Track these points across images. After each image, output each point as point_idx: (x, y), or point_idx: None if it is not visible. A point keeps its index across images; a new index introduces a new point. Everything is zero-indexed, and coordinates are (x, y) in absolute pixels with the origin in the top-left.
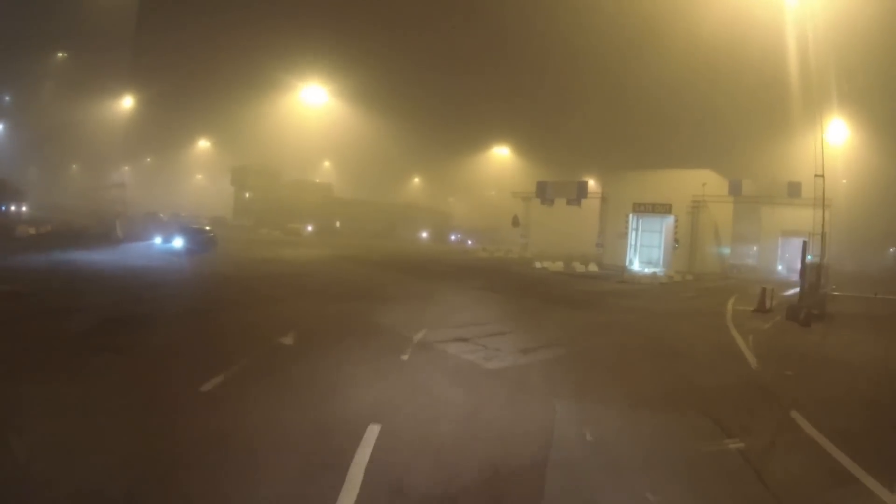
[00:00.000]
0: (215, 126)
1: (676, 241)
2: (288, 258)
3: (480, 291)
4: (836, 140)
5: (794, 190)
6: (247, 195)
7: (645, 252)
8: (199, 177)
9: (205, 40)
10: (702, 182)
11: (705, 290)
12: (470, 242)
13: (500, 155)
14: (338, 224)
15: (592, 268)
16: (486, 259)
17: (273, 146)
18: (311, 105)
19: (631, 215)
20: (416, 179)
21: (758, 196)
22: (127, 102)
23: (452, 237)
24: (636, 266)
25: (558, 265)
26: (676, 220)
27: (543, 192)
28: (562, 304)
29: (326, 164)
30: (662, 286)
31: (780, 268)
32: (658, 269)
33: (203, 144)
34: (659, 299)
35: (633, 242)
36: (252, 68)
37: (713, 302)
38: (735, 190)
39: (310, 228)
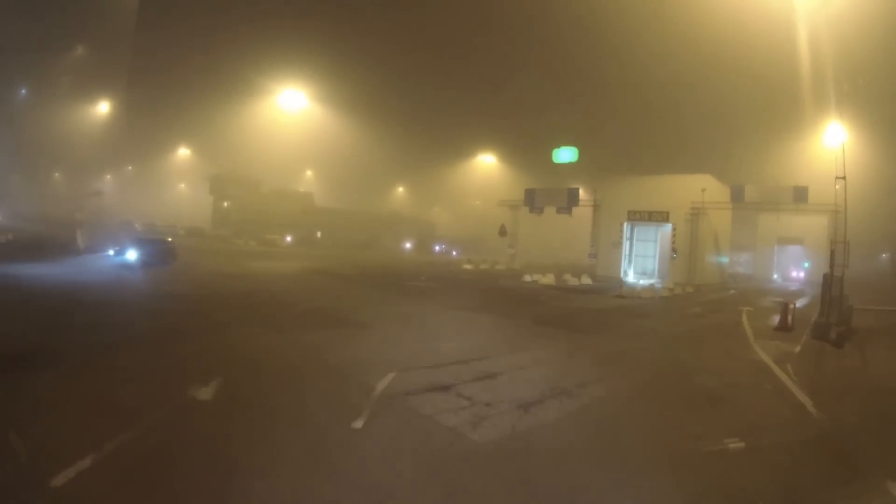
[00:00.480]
0: (197, 133)
1: (674, 250)
2: (255, 272)
3: (465, 312)
4: (834, 142)
5: (800, 195)
6: (225, 204)
7: (639, 262)
8: (182, 186)
9: (186, 45)
10: (701, 188)
11: (711, 304)
12: (455, 253)
13: (486, 163)
14: (319, 234)
15: (585, 280)
16: (471, 272)
17: (255, 154)
18: (293, 111)
19: (625, 224)
20: (401, 189)
21: (761, 202)
22: (106, 109)
23: (437, 248)
24: (631, 277)
25: (549, 278)
26: (674, 229)
27: (532, 200)
28: (559, 326)
29: (309, 173)
30: (664, 300)
31: (775, 276)
32: (655, 281)
33: (183, 152)
34: (665, 317)
35: (627, 252)
36: (234, 74)
37: (725, 319)
38: (737, 196)
39: (289, 239)
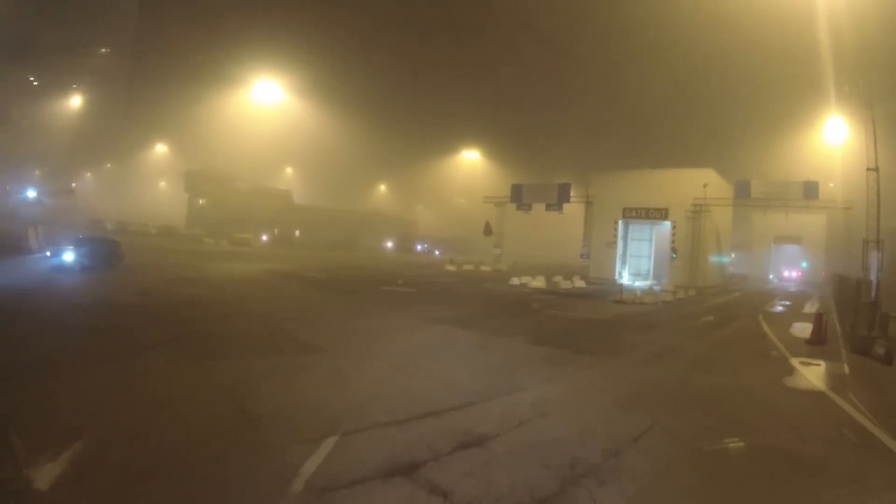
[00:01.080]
0: (175, 129)
1: (674, 250)
2: (213, 276)
3: (444, 327)
4: (836, 139)
5: (810, 191)
6: (201, 202)
7: (633, 263)
8: (163, 184)
9: (160, 37)
10: (703, 183)
11: (721, 310)
12: (438, 253)
13: (471, 160)
14: (297, 233)
15: (578, 283)
16: (454, 274)
17: (233, 149)
18: (271, 105)
19: (620, 221)
20: (383, 187)
21: (768, 199)
22: (82, 104)
23: (419, 247)
24: (626, 279)
25: (539, 281)
26: (674, 227)
27: (519, 197)
28: (561, 346)
29: (289, 170)
30: (668, 306)
31: (771, 276)
32: (652, 283)
33: (161, 149)
34: (679, 329)
35: (621, 252)
36: (212, 67)
37: (745, 329)
38: (743, 191)
39: (265, 238)
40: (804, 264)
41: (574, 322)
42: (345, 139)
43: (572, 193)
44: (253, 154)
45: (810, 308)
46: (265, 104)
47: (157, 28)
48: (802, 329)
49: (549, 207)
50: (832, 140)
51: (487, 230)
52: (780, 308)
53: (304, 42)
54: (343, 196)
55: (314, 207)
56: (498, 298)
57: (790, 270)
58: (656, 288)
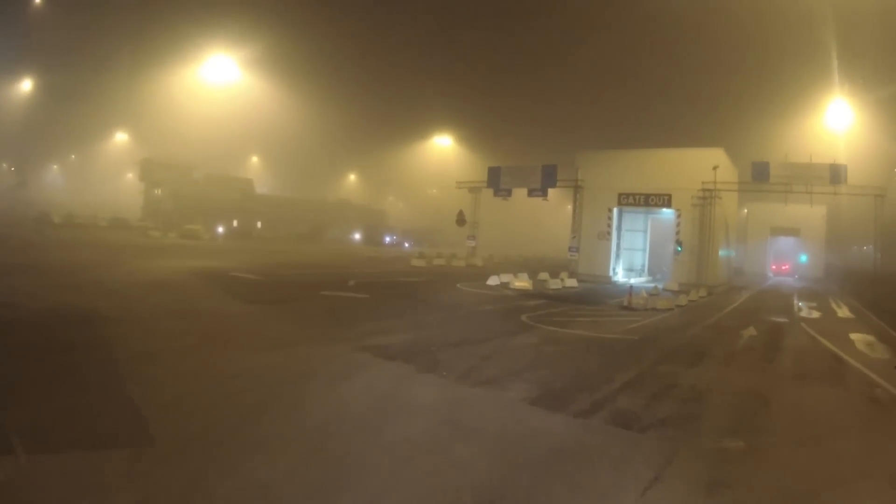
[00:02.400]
0: (134, 115)
1: (679, 243)
2: (117, 279)
3: (390, 369)
4: (839, 124)
5: (837, 174)
6: (156, 192)
7: (626, 257)
8: (130, 175)
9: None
10: (712, 165)
11: (750, 318)
12: (407, 245)
13: (443, 146)
14: (259, 225)
15: (569, 282)
16: (420, 271)
17: (194, 135)
18: (233, 90)
19: (616, 209)
20: (352, 176)
21: (789, 182)
22: (33, 93)
23: (387, 239)
24: (620, 275)
25: (523, 280)
26: (679, 216)
27: (497, 181)
28: (587, 410)
29: (255, 159)
30: (687, 313)
31: (768, 272)
32: (647, 280)
33: (121, 137)
34: (726, 355)
35: (615, 245)
36: (166, 45)
37: (807, 350)
38: (760, 174)
39: (220, 230)
40: (804, 257)
41: (586, 348)
42: (311, 124)
43: (558, 178)
44: (216, 141)
45: (840, 310)
46: (224, 85)
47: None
48: (869, 344)
49: (531, 193)
50: (837, 123)
51: (461, 220)
52: (810, 311)
53: (266, 18)
54: (310, 185)
55: (277, 197)
56: (474, 307)
57: (781, 264)
58: (660, 287)
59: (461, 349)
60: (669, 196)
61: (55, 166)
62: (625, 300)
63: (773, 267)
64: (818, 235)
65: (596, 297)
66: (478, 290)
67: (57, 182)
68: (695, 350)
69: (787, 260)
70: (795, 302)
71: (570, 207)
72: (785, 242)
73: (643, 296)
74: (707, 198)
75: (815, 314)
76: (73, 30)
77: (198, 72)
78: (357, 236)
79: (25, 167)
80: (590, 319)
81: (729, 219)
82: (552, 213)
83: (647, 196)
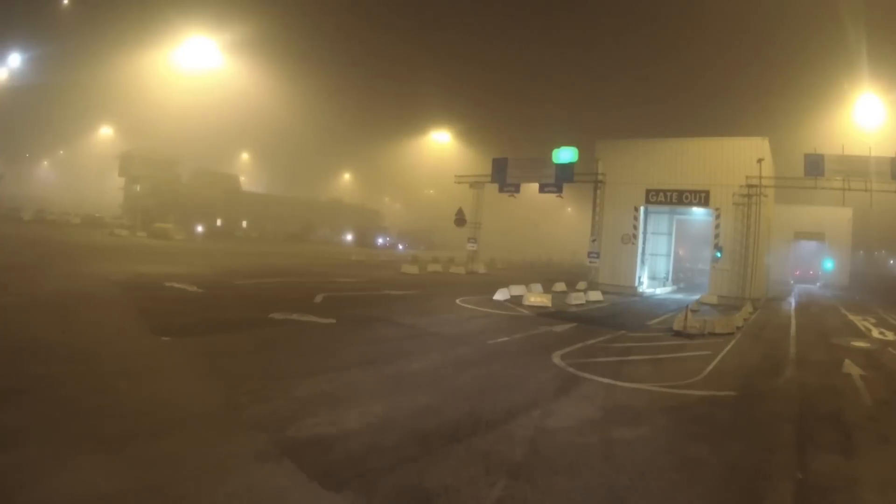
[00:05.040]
0: (121, 109)
1: (719, 247)
2: (7, 295)
3: None
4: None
5: None
6: (137, 188)
7: (650, 263)
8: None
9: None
10: (756, 156)
11: (826, 343)
12: (401, 247)
13: (441, 143)
14: (244, 224)
15: (593, 295)
16: (411, 280)
17: (181, 129)
18: (224, 82)
19: (643, 208)
20: (347, 175)
21: (848, 177)
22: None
23: (380, 241)
24: (645, 286)
25: (539, 295)
26: (718, 216)
27: (503, 175)
28: None
29: (245, 156)
30: (749, 338)
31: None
32: (670, 289)
33: (106, 132)
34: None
35: (641, 250)
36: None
37: None
38: (814, 169)
39: (200, 229)
40: (830, 263)
41: (675, 423)
42: (304, 119)
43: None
44: (205, 135)
45: None
46: (207, 72)
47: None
48: None
49: (543, 189)
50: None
51: (460, 220)
52: (882, 332)
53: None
54: (302, 184)
55: (265, 196)
56: (483, 339)
57: (805, 270)
58: (701, 301)
59: (471, 447)
60: (707, 193)
61: (45, 162)
62: (676, 323)
63: (797, 273)
64: (844, 240)
65: (632, 316)
66: (484, 309)
67: (43, 177)
68: (823, 414)
69: (811, 266)
70: (851, 317)
71: (570, 209)
72: (808, 247)
73: (698, 316)
74: (752, 195)
75: (890, 335)
76: (48, 17)
77: (187, 62)
78: (349, 237)
79: (2, 161)
80: (646, 357)
81: (769, 221)
82: (553, 214)
83: (681, 193)
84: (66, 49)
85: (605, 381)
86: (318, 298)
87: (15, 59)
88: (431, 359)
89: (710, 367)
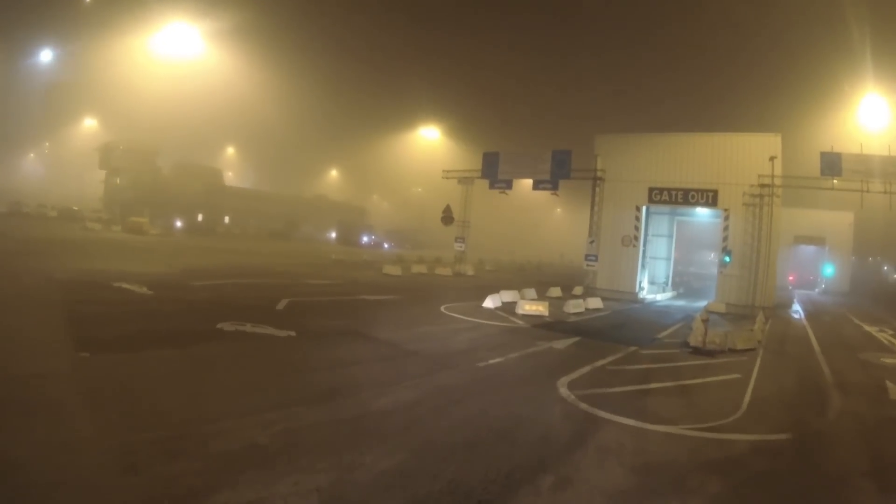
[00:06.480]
0: (104, 99)
1: (728, 251)
2: None
3: None
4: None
5: None
6: (118, 181)
7: (650, 267)
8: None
9: None
10: (768, 154)
11: (854, 359)
12: (386, 246)
13: (430, 140)
14: (227, 220)
15: (593, 302)
16: (392, 283)
17: (166, 121)
18: (208, 70)
19: (644, 208)
20: (334, 172)
21: (866, 177)
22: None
23: (364, 239)
24: (646, 291)
25: (534, 303)
26: (727, 217)
27: (494, 170)
28: None
29: (230, 150)
30: (773, 354)
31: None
32: (670, 295)
33: (90, 123)
34: None
35: (642, 253)
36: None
37: None
38: (831, 168)
39: (179, 224)
40: (830, 269)
41: (732, 495)
42: (291, 114)
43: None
44: (189, 127)
45: None
46: (189, 62)
47: None
48: None
49: (538, 185)
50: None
51: (447, 218)
52: None
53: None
54: (288, 179)
55: (248, 191)
56: (471, 360)
57: (803, 276)
58: (712, 311)
59: None
60: (715, 192)
61: (31, 154)
62: (693, 337)
63: (792, 279)
64: (845, 245)
65: (639, 326)
66: (472, 319)
67: (30, 170)
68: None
69: (810, 271)
70: (867, 328)
71: (560, 210)
72: (808, 252)
73: (718, 330)
74: (764, 195)
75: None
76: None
77: (169, 49)
78: (333, 235)
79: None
80: (670, 385)
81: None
82: (543, 214)
83: (687, 192)
84: (48, 37)
85: (630, 422)
86: (282, 304)
87: None
88: (406, 391)
89: (748, 396)
